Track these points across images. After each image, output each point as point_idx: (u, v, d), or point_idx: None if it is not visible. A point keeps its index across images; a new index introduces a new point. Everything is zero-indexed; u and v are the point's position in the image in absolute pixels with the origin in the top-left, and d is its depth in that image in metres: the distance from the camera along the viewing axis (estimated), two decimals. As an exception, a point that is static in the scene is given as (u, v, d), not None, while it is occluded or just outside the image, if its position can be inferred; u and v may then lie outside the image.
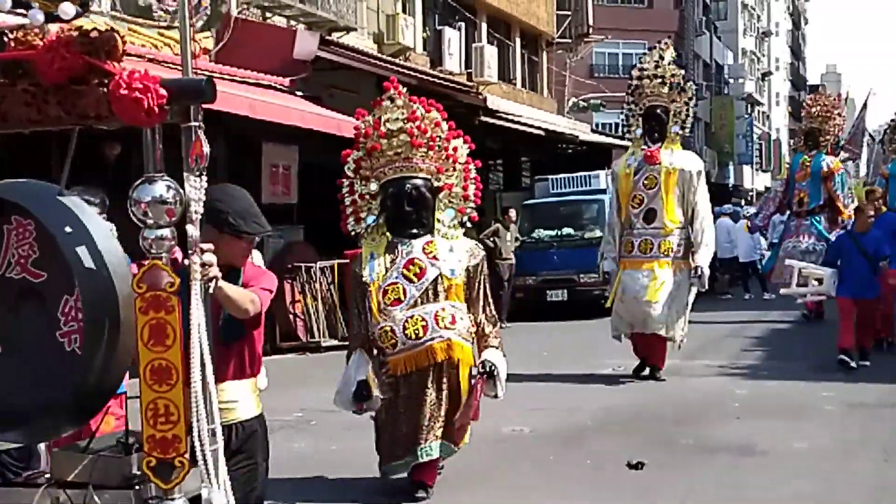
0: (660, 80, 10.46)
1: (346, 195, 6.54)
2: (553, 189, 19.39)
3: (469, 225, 6.55)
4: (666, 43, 10.89)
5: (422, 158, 6.32)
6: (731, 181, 53.27)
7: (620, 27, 38.73)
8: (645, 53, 10.89)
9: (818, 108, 15.22)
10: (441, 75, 19.15)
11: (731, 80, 56.93)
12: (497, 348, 6.42)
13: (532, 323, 16.68)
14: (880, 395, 9.42)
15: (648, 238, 10.30)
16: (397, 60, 18.27)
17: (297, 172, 14.86)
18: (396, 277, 6.20)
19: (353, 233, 6.59)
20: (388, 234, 6.37)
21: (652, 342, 10.47)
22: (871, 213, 11.07)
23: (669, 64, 10.56)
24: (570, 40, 29.81)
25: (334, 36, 16.58)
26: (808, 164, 14.78)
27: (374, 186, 6.41)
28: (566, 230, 18.31)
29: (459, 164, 6.48)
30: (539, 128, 20.42)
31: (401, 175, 6.33)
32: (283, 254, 14.29)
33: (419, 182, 6.31)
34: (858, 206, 11.78)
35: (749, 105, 58.92)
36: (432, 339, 6.16)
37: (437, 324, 6.17)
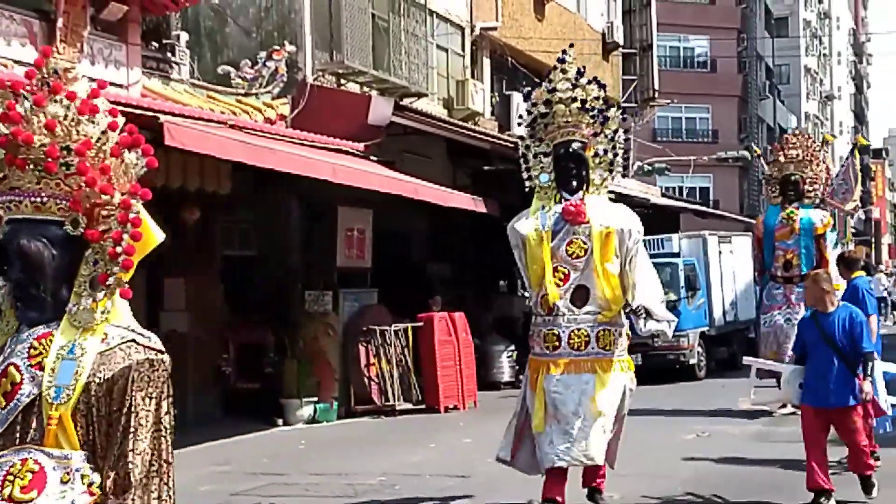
0: (577, 106, 7.21)
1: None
2: (624, 252, 19.24)
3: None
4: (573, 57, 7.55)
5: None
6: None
7: (684, 91, 38.71)
8: (554, 67, 7.38)
9: (799, 151, 12.22)
10: (513, 139, 19.23)
11: (795, 144, 56.45)
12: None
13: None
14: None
15: (583, 328, 7.02)
16: (468, 125, 18.39)
17: (372, 236, 14.94)
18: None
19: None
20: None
21: (587, 469, 7.51)
22: (827, 285, 7.70)
23: (589, 84, 7.28)
24: (635, 105, 29.84)
25: (405, 101, 16.77)
26: (794, 218, 11.98)
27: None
28: (639, 294, 18.13)
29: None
30: (611, 191, 20.35)
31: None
32: (358, 317, 14.31)
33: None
34: (807, 273, 8.77)
35: (813, 169, 58.29)
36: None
37: None
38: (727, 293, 19.55)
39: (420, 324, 14.44)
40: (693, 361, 17.42)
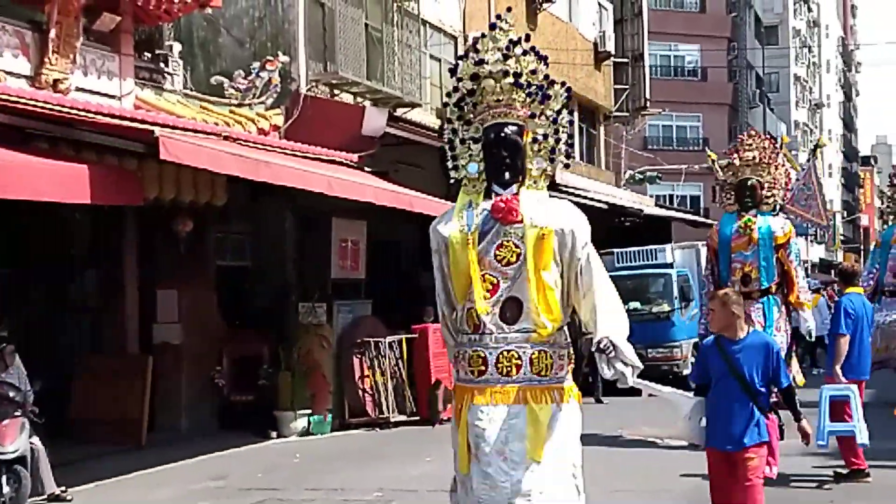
0: (510, 82, 5.76)
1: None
2: (618, 263, 19.25)
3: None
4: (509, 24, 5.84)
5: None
6: (787, 253, 52.74)
7: (675, 99, 38.78)
8: (483, 35, 5.84)
9: (756, 153, 11.00)
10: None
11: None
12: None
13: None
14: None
15: (513, 350, 5.61)
16: (461, 135, 18.37)
17: (366, 247, 14.88)
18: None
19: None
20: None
21: None
22: (737, 308, 6.41)
23: (525, 54, 5.77)
24: (627, 114, 29.87)
25: (399, 112, 16.73)
26: (752, 227, 10.72)
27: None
28: (633, 304, 18.10)
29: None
30: (604, 202, 20.38)
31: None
32: (352, 328, 14.25)
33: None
34: (714, 293, 7.25)
35: (803, 177, 58.49)
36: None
37: None
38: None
39: (414, 335, 14.38)
40: (686, 372, 17.39)
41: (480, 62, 5.73)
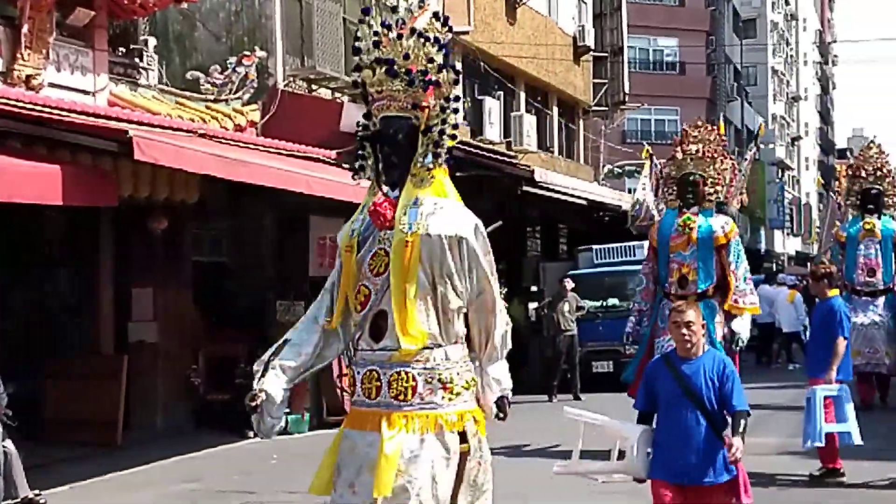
0: (384, 70, 4.96)
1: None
2: (597, 259, 19.28)
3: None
4: None
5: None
6: (763, 246, 53.01)
7: (654, 93, 38.81)
8: (360, 20, 5.10)
9: (700, 146, 10.08)
10: (485, 146, 19.16)
11: (763, 146, 56.83)
12: None
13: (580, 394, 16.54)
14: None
15: (375, 370, 4.96)
16: (440, 131, 18.29)
17: (344, 244, 14.78)
18: None
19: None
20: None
21: None
22: (692, 316, 5.66)
23: (400, 39, 4.96)
24: (606, 108, 29.86)
25: (377, 107, 16.62)
26: (692, 225, 9.82)
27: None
28: (611, 301, 18.16)
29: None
30: (583, 198, 20.35)
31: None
32: (330, 327, 14.14)
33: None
34: (677, 306, 5.98)
35: (780, 170, 58.79)
36: None
37: None
38: (699, 300, 19.60)
39: (393, 333, 14.29)
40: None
41: (357, 51, 5.07)
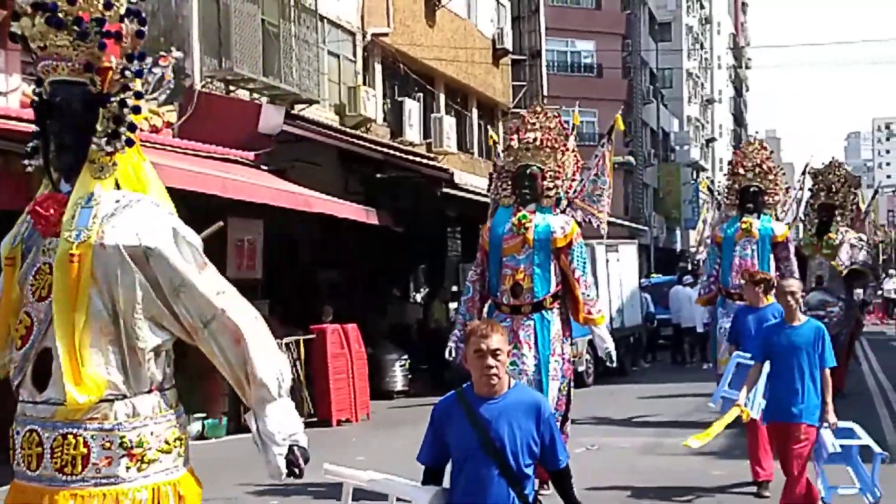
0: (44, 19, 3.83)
1: None
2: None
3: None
4: None
5: None
6: (679, 246, 54.04)
7: (571, 95, 39.21)
8: None
9: (538, 133, 8.83)
10: (405, 148, 19.25)
11: (678, 147, 57.90)
12: None
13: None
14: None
15: (36, 430, 3.85)
16: (360, 132, 18.33)
17: (262, 247, 14.72)
18: None
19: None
20: None
21: None
22: (499, 342, 4.20)
23: None
24: (525, 110, 30.12)
25: (296, 108, 16.60)
26: (527, 225, 8.53)
27: None
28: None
29: None
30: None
31: None
32: (248, 329, 14.05)
33: None
34: (476, 328, 4.32)
35: (695, 171, 59.90)
36: None
37: None
38: (614, 301, 19.95)
39: (312, 336, 14.29)
40: (582, 368, 17.66)
41: None
